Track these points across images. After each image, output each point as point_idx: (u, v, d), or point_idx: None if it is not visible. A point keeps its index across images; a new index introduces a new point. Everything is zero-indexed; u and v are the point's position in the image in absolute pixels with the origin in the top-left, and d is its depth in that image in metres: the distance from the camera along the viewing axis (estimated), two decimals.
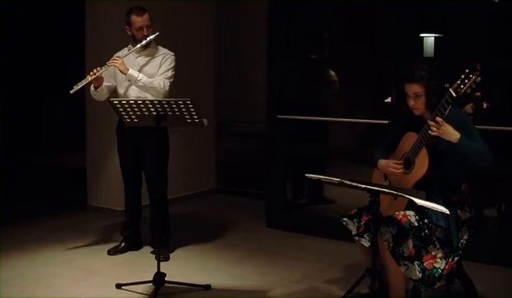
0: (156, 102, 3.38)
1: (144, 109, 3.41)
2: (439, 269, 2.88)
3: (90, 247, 4.51)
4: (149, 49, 4.16)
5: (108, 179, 5.50)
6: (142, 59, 4.16)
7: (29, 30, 7.89)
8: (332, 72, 5.41)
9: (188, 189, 6.20)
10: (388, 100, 4.56)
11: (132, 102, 3.42)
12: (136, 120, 3.51)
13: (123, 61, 4.03)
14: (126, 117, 3.51)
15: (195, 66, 6.15)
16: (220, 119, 6.52)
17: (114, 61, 4.03)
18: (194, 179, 6.30)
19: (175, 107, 3.34)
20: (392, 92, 4.48)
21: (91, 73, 4.00)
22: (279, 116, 4.99)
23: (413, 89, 3.02)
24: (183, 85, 5.73)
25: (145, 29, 4.06)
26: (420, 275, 2.85)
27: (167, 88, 4.09)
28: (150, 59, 4.16)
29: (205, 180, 6.49)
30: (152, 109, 3.39)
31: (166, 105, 3.35)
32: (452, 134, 2.88)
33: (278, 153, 5.07)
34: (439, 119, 2.84)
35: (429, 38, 5.02)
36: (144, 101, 3.40)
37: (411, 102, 3.06)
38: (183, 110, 3.35)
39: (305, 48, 5.38)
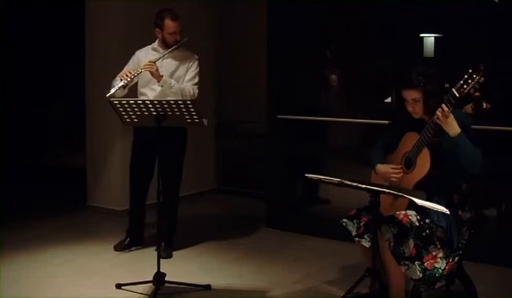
0: (156, 102, 3.37)
1: (144, 109, 3.40)
2: (440, 269, 2.88)
3: (90, 247, 4.50)
4: (175, 52, 4.14)
5: (108, 179, 5.50)
6: (168, 62, 4.15)
7: (29, 30, 7.89)
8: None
9: (188, 189, 6.19)
10: (388, 100, 4.56)
11: (132, 102, 3.41)
12: (136, 120, 3.51)
13: (158, 67, 4.00)
14: (125, 116, 3.51)
15: None
16: (220, 119, 6.52)
17: (150, 66, 3.97)
18: (194, 179, 6.29)
19: (175, 107, 3.34)
20: (391, 92, 4.48)
21: (125, 76, 3.94)
22: (279, 116, 4.99)
23: (411, 94, 3.01)
24: None
25: (178, 34, 4.06)
26: (421, 275, 2.85)
27: (197, 95, 4.15)
28: (177, 62, 4.17)
29: (205, 180, 6.49)
30: (152, 109, 3.39)
31: (166, 106, 3.35)
32: (454, 127, 2.85)
33: (278, 153, 5.06)
34: (446, 108, 2.81)
35: (429, 38, 5.01)
36: (144, 101, 3.40)
37: (410, 107, 3.05)
38: (183, 110, 3.35)
39: (305, 47, 5.37)
